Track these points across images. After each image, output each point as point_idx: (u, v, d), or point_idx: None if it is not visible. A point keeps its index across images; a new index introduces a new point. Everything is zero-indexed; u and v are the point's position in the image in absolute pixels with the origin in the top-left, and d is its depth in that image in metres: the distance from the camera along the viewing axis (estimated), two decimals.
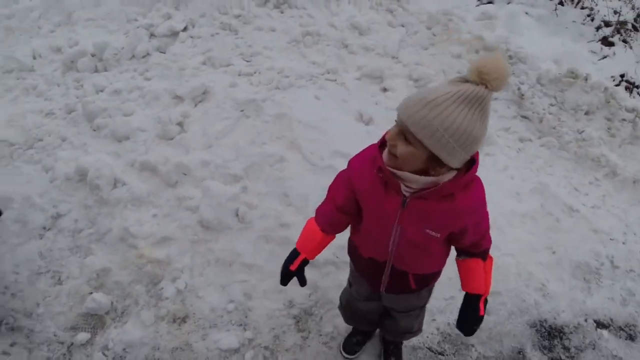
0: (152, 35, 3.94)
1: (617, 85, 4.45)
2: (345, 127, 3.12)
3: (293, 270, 1.61)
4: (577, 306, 2.60)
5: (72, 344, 2.26)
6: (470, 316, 1.54)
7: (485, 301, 1.58)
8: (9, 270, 2.60)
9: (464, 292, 1.59)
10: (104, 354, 2.21)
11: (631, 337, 2.53)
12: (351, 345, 2.14)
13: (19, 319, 2.38)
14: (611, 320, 2.60)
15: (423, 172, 1.24)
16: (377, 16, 4.42)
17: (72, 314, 2.37)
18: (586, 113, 3.95)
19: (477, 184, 1.39)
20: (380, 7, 4.59)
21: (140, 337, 2.22)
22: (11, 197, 2.91)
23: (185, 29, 3.90)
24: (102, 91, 3.57)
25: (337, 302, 2.30)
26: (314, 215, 1.63)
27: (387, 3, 4.62)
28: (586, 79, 3.99)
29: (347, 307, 1.97)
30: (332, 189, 1.57)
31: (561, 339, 2.43)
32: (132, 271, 2.48)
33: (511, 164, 3.43)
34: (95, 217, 2.77)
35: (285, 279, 1.65)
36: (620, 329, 2.56)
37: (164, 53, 3.76)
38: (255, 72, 3.44)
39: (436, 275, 1.67)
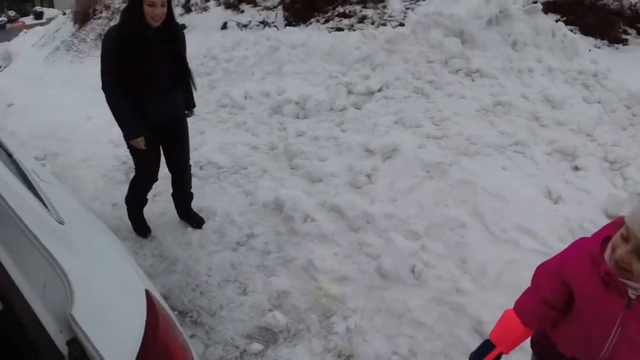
0: (349, 92, 4.39)
1: None
2: (531, 202, 3.05)
3: None
4: None
5: (245, 350, 2.51)
6: None
7: None
8: (203, 272, 3.04)
9: None
10: None
11: None
12: None
13: (203, 316, 2.72)
14: None
15: None
16: (571, 90, 4.28)
17: (251, 324, 2.64)
18: None
19: None
20: (575, 81, 4.44)
21: None
22: (215, 211, 3.47)
23: (380, 90, 4.27)
24: (301, 135, 4.07)
25: None
26: (512, 307, 1.57)
27: (583, 78, 4.44)
28: None
29: None
30: (537, 280, 1.51)
31: None
32: (309, 300, 2.72)
33: None
34: (284, 244, 3.13)
35: None
36: None
37: (360, 109, 4.15)
38: (443, 136, 3.59)
39: None
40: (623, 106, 4.16)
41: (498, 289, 2.54)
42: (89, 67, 8.60)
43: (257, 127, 4.61)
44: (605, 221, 3.11)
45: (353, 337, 2.51)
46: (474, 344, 2.38)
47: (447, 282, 2.60)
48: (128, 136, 2.78)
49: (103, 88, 2.67)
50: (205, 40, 6.73)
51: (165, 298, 2.78)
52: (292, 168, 3.77)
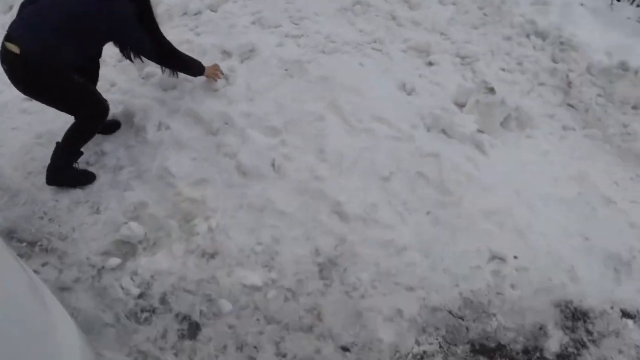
0: None
1: None
2: (386, 95, 3.13)
3: None
4: (604, 294, 2.55)
5: (102, 267, 2.36)
6: None
7: None
8: (49, 198, 2.74)
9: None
10: (132, 279, 2.31)
11: None
12: None
13: (53, 242, 2.51)
14: (638, 312, 2.54)
15: None
16: None
17: (106, 241, 2.48)
18: (634, 107, 3.82)
19: None
20: None
21: (168, 267, 2.33)
22: (57, 133, 3.06)
23: None
24: None
25: (363, 257, 2.35)
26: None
27: None
28: (637, 73, 3.86)
29: None
30: None
31: (585, 322, 2.40)
32: (168, 207, 2.58)
33: (552, 149, 3.37)
34: (138, 157, 2.88)
35: None
36: None
37: (215, 12, 3.84)
38: (302, 35, 3.48)
39: None
40: (476, 7, 4.37)
41: (354, 172, 2.61)
42: None
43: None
44: (454, 110, 3.34)
45: (216, 236, 2.45)
46: (334, 224, 2.47)
47: (307, 172, 2.61)
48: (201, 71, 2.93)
49: (154, 58, 2.76)
50: None
51: (11, 232, 2.56)
52: (142, 78, 3.43)
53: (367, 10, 3.87)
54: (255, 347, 2.02)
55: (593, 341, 2.33)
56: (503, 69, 3.87)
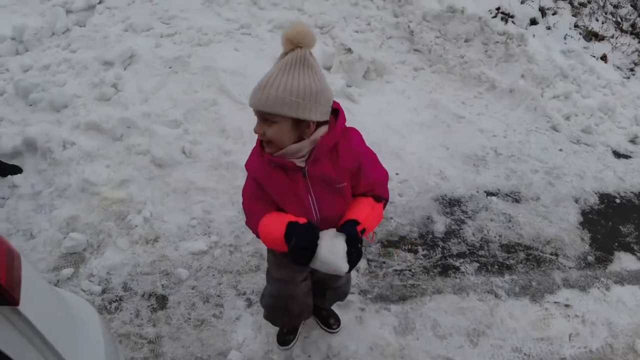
0: (68, 11, 4.09)
1: (494, 17, 5.25)
2: (265, 71, 3.56)
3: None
4: (469, 183, 3.32)
5: (58, 280, 2.52)
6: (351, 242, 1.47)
7: (361, 237, 1.50)
8: None
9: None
10: (90, 281, 2.53)
11: (516, 200, 3.28)
12: (284, 336, 2.18)
13: None
14: (498, 190, 3.34)
15: (299, 139, 1.36)
16: None
17: (52, 257, 2.62)
18: (466, 40, 4.68)
19: (354, 132, 1.51)
20: None
21: (120, 260, 2.59)
22: None
23: (100, 2, 4.10)
24: (29, 70, 3.71)
25: None
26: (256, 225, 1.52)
27: None
28: (463, 12, 4.71)
29: (281, 302, 1.91)
30: (249, 204, 1.55)
31: (459, 206, 3.13)
32: (100, 213, 2.80)
33: (408, 88, 4.08)
34: (52, 178, 3.02)
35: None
36: (507, 195, 3.31)
37: (84, 27, 3.95)
38: (176, 33, 3.76)
39: None
40: None
41: (253, 141, 3.04)
42: None
43: None
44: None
45: (153, 224, 2.74)
46: None
47: (216, 151, 2.99)
48: None
49: None
50: None
51: None
52: (30, 105, 3.48)
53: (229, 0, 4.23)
54: (219, 296, 2.41)
55: (469, 217, 3.07)
56: (356, 31, 4.51)
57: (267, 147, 1.39)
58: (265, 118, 1.33)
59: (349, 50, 3.84)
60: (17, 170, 3.00)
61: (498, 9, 5.41)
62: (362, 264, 2.63)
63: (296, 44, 1.28)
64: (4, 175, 2.99)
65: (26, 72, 3.73)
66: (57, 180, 3.02)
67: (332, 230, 1.49)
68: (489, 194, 3.30)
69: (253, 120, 1.35)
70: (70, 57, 3.62)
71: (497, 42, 4.77)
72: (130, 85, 3.30)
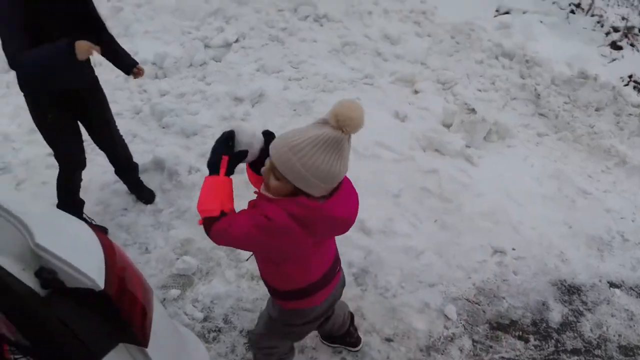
0: (207, 46, 4.47)
1: (625, 85, 4.88)
2: (384, 123, 3.60)
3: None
4: (592, 270, 3.02)
5: (164, 299, 2.67)
6: None
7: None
8: None
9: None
10: (194, 306, 2.65)
11: None
12: None
13: None
14: (622, 281, 3.00)
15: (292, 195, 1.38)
16: (405, 27, 4.92)
17: (163, 275, 2.78)
18: (596, 109, 4.38)
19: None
20: (407, 19, 5.10)
21: (225, 291, 2.67)
22: (89, 184, 3.40)
23: (237, 41, 4.43)
24: (166, 94, 4.07)
25: (388, 263, 2.75)
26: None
27: (414, 16, 5.12)
28: (595, 79, 4.43)
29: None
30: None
31: (579, 295, 2.84)
32: None
33: (531, 154, 3.87)
34: (174, 199, 3.24)
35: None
36: (631, 289, 2.96)
37: (220, 62, 4.28)
38: (302, 78, 3.95)
39: None
40: (449, 37, 4.93)
41: (370, 193, 3.04)
42: None
43: (114, 94, 4.44)
44: (442, 130, 3.82)
45: None
46: (360, 240, 2.87)
47: None
48: (64, 55, 2.09)
49: (14, 65, 2.13)
50: None
51: None
52: (163, 127, 3.80)
53: (355, 49, 4.36)
54: (314, 348, 2.39)
55: (589, 309, 2.78)
56: (479, 90, 4.41)
57: (264, 186, 1.46)
58: (273, 170, 1.36)
59: (473, 111, 3.75)
60: (151, 197, 3.19)
61: (630, 76, 5.02)
62: (467, 344, 2.47)
63: (341, 127, 1.26)
64: (146, 201, 3.17)
65: (163, 96, 4.09)
66: (179, 202, 3.22)
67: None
68: (612, 285, 2.97)
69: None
70: (205, 89, 3.92)
71: (630, 114, 4.41)
72: (256, 123, 3.49)
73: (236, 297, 2.66)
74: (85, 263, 1.14)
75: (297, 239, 1.39)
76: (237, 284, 2.71)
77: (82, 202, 2.97)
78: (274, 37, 4.38)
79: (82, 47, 2.08)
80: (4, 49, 2.14)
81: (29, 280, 1.06)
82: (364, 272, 2.74)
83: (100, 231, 1.34)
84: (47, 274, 1.07)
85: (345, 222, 1.49)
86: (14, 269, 1.07)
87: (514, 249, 3.00)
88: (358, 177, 3.12)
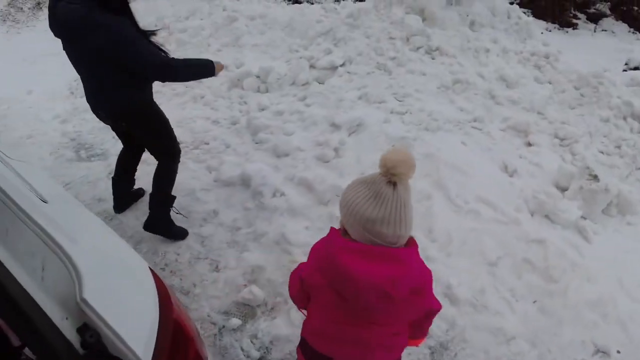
0: (312, 66, 4.39)
1: None
2: (489, 175, 3.24)
3: None
4: None
5: (223, 326, 2.53)
6: None
7: None
8: (171, 251, 2.99)
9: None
10: (252, 342, 2.48)
11: None
12: None
13: (176, 295, 2.75)
14: None
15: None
16: (524, 71, 4.51)
17: (227, 300, 2.66)
18: None
19: None
20: (528, 62, 4.67)
21: (287, 334, 2.48)
22: (177, 187, 3.39)
23: (343, 65, 4.29)
24: (264, 109, 4.04)
25: (472, 343, 2.40)
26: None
27: (536, 59, 4.68)
28: None
29: None
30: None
31: None
32: (284, 273, 2.77)
33: None
34: (254, 220, 3.13)
35: None
36: None
37: (322, 84, 4.17)
38: (406, 112, 3.70)
39: None
40: (572, 87, 4.44)
41: (463, 255, 2.71)
42: (27, 38, 7.96)
43: (216, 101, 4.52)
44: (556, 194, 3.37)
45: None
46: (445, 307, 2.55)
47: (420, 253, 2.72)
48: (211, 71, 2.58)
49: (169, 71, 2.45)
50: (155, 7, 6.42)
51: None
52: (256, 143, 3.75)
53: (467, 88, 4.04)
54: None
55: None
56: (602, 152, 3.88)
57: None
58: None
59: (595, 178, 3.26)
60: (184, 234, 3.06)
61: None
62: None
63: (390, 174, 1.20)
64: (174, 238, 3.04)
65: (262, 110, 4.06)
66: (258, 223, 3.11)
67: None
68: None
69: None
70: (303, 110, 3.82)
71: None
72: (350, 154, 3.30)
73: (297, 342, 2.45)
74: (134, 331, 1.00)
75: (309, 268, 1.41)
76: (300, 328, 2.51)
77: (174, 197, 3.02)
78: (382, 66, 4.19)
79: (220, 66, 2.63)
80: (152, 60, 2.40)
81: (70, 332, 0.95)
82: (442, 348, 2.41)
83: (164, 285, 1.18)
84: (89, 336, 0.95)
85: (352, 278, 1.24)
86: (57, 317, 0.97)
87: (619, 352, 2.50)
88: (451, 234, 2.81)
